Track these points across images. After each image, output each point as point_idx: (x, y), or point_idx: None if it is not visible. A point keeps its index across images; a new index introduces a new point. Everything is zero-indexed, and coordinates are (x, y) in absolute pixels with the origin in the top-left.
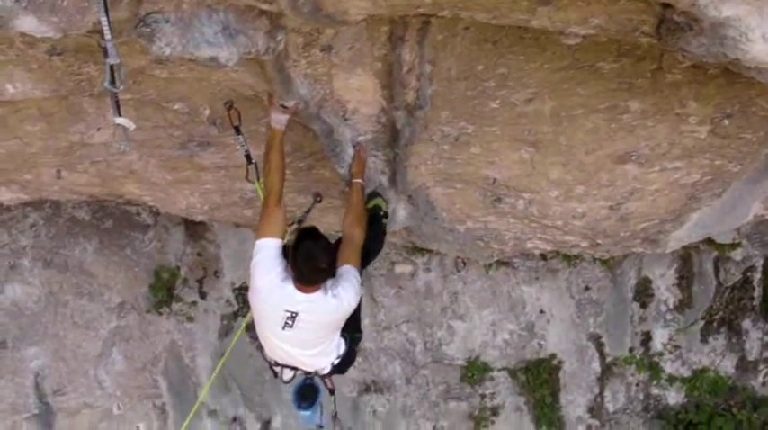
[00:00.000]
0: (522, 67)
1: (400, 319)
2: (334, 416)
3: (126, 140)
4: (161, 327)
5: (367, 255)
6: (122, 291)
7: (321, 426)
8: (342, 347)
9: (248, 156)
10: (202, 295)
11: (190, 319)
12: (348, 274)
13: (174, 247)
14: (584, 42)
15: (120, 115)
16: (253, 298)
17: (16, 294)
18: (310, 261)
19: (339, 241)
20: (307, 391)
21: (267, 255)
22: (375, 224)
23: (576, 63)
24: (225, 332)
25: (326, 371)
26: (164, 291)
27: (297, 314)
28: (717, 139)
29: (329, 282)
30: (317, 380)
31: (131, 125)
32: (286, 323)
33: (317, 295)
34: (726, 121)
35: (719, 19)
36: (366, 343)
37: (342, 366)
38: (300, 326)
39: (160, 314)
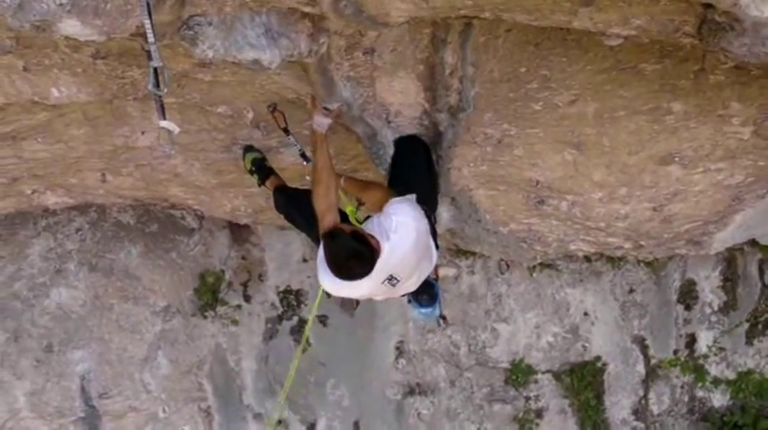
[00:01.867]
0: (564, 69)
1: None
2: (444, 317)
3: (170, 143)
4: (206, 331)
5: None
6: (167, 294)
7: (443, 317)
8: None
9: (303, 155)
10: (247, 298)
11: (234, 323)
12: (393, 205)
13: (219, 251)
14: (626, 44)
15: (165, 118)
16: (342, 295)
17: (62, 298)
18: (342, 266)
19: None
20: (422, 288)
21: (322, 257)
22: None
23: (618, 64)
24: (270, 335)
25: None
26: (209, 294)
27: (391, 275)
28: (760, 140)
29: (383, 227)
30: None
31: (176, 128)
32: (391, 284)
33: (386, 250)
34: None
35: (761, 19)
36: (410, 345)
37: (437, 237)
38: (402, 273)
39: (205, 317)
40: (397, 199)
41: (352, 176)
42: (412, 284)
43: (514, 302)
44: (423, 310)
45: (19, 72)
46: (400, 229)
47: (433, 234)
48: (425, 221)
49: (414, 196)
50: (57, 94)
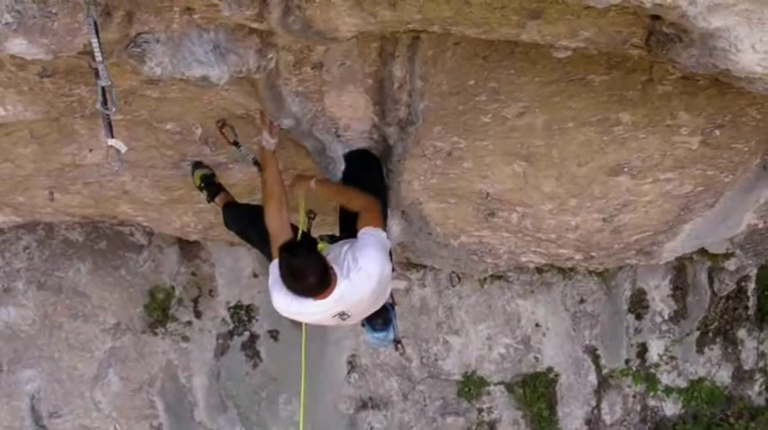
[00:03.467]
0: (512, 81)
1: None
2: (399, 341)
3: (119, 161)
4: (156, 348)
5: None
6: (117, 311)
7: (398, 341)
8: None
9: (257, 163)
10: (197, 314)
11: (185, 339)
12: (364, 238)
13: (169, 267)
14: (574, 55)
15: (112, 136)
16: (293, 317)
17: (10, 317)
18: (298, 279)
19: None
20: (377, 312)
21: (275, 276)
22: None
23: (566, 76)
24: (221, 351)
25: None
26: (159, 311)
27: (342, 311)
28: (708, 150)
29: (347, 262)
30: None
31: (123, 147)
32: (341, 319)
33: (341, 287)
34: (717, 132)
35: (709, 30)
36: (362, 359)
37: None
38: (355, 311)
39: (155, 334)
40: (372, 232)
41: (328, 180)
42: (364, 315)
43: (466, 314)
44: (376, 335)
45: None
46: (363, 274)
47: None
48: (390, 265)
49: (385, 237)
50: (3, 112)
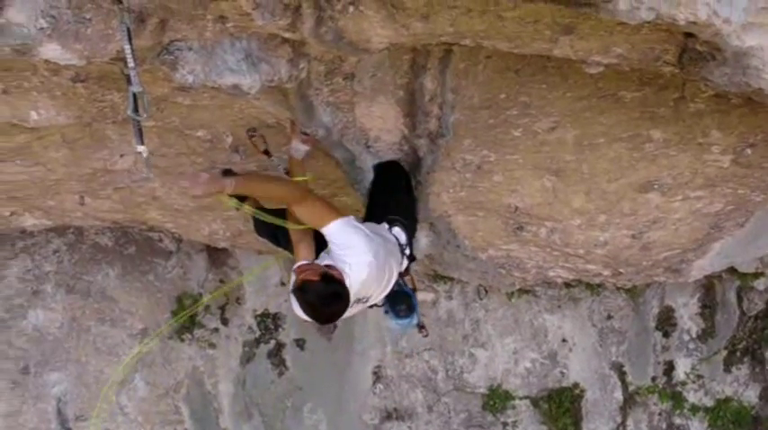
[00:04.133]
0: (544, 96)
1: (422, 347)
2: (423, 325)
3: (148, 167)
4: (183, 354)
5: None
6: (145, 317)
7: (422, 326)
8: (402, 236)
9: (288, 173)
10: (224, 322)
11: (212, 346)
12: (333, 241)
13: (197, 274)
14: (606, 71)
15: (142, 143)
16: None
17: (39, 320)
18: (319, 316)
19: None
20: (400, 299)
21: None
22: (403, 177)
23: (598, 92)
24: (247, 359)
25: (404, 266)
26: (186, 317)
27: (358, 299)
28: (740, 169)
29: (340, 264)
30: (402, 284)
31: (147, 152)
32: (362, 303)
33: (347, 285)
34: (749, 151)
35: (742, 48)
36: (387, 370)
37: (412, 247)
38: (371, 293)
39: (182, 340)
40: (333, 228)
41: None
42: (382, 295)
43: (492, 328)
44: (400, 321)
45: None
46: (359, 268)
47: (409, 244)
48: (374, 238)
49: (351, 217)
50: (35, 116)
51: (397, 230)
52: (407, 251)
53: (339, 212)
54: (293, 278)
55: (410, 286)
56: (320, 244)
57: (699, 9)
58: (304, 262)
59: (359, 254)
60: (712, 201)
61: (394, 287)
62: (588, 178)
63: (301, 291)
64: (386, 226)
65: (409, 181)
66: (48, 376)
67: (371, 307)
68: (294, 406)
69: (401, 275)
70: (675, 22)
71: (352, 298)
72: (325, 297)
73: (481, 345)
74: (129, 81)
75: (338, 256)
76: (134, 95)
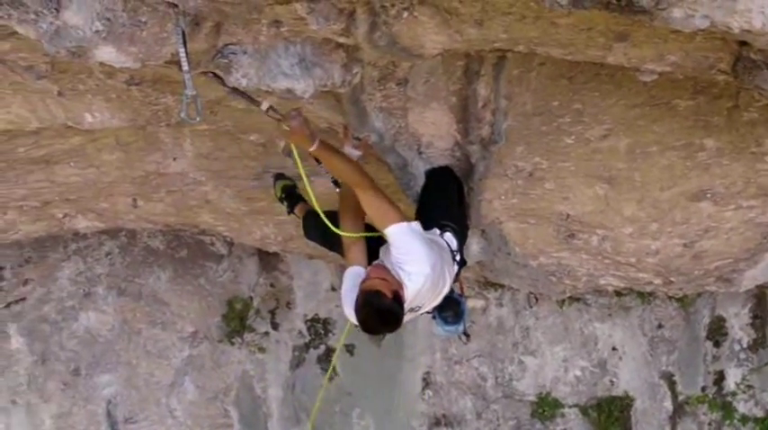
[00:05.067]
0: (597, 104)
1: (472, 354)
2: (468, 334)
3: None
4: (233, 357)
5: (453, 213)
6: (195, 320)
7: (467, 334)
8: (453, 242)
9: (336, 182)
10: (274, 326)
11: (262, 350)
12: (395, 244)
13: (248, 278)
14: (659, 79)
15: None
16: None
17: (90, 322)
18: (374, 332)
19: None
20: (448, 305)
21: (348, 286)
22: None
23: (651, 100)
24: (296, 363)
25: (455, 271)
26: (236, 321)
27: (411, 308)
28: None
29: (397, 272)
30: (453, 290)
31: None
32: (414, 313)
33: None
34: None
35: None
36: (437, 376)
37: (463, 253)
38: (424, 302)
39: (232, 344)
40: (397, 231)
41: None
42: (434, 304)
43: (542, 335)
44: (447, 328)
45: (53, 97)
46: (416, 278)
47: (460, 250)
48: (433, 247)
49: (415, 223)
50: (90, 119)
51: (448, 236)
52: (458, 257)
53: (404, 215)
54: (361, 277)
55: (459, 292)
56: (370, 250)
57: (754, 17)
58: (380, 264)
59: (419, 263)
60: (765, 211)
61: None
62: (640, 186)
63: (367, 297)
64: (437, 231)
65: (461, 187)
66: (98, 378)
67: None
68: (343, 411)
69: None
70: (730, 30)
71: (406, 308)
72: (386, 314)
73: (531, 353)
74: (184, 84)
75: (398, 262)
76: (189, 98)
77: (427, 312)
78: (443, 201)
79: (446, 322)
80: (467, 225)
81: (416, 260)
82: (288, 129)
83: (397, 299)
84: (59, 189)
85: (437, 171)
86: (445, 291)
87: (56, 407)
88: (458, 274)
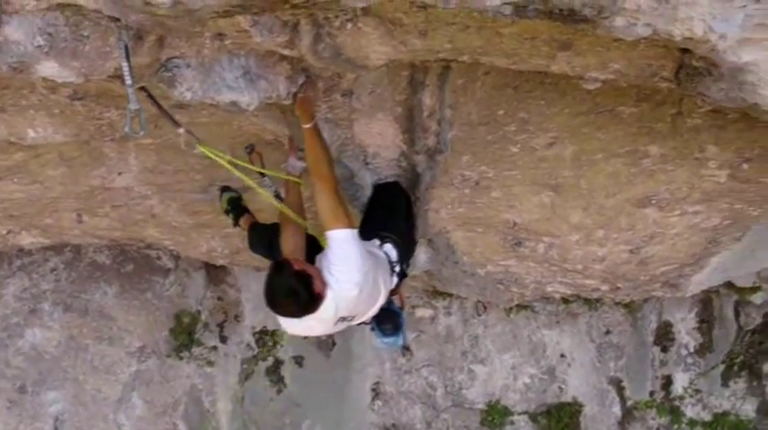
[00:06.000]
0: (542, 112)
1: (421, 363)
2: (407, 347)
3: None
4: (181, 372)
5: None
6: (143, 335)
7: (407, 347)
8: (393, 253)
9: (278, 196)
10: (223, 339)
11: (210, 364)
12: (333, 247)
13: (195, 291)
14: (603, 87)
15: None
16: (299, 334)
17: (36, 339)
18: (275, 308)
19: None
20: (386, 317)
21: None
22: (403, 196)
23: (596, 108)
24: (245, 376)
25: (394, 283)
26: (184, 335)
27: (343, 317)
28: (736, 184)
29: (327, 274)
30: (393, 302)
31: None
32: (347, 322)
33: (329, 298)
34: (745, 166)
35: (738, 64)
36: (386, 386)
37: (403, 266)
38: (356, 312)
39: (180, 358)
40: (335, 236)
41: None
42: (370, 314)
43: (491, 343)
44: (385, 340)
45: None
46: (344, 285)
47: (400, 262)
48: (368, 258)
49: (355, 231)
50: (33, 134)
51: (388, 247)
52: (397, 268)
53: (350, 222)
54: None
55: (399, 304)
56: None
57: (695, 25)
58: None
59: (350, 271)
60: (709, 216)
61: (382, 306)
62: (586, 194)
63: (276, 269)
64: (377, 242)
65: (409, 202)
66: (45, 395)
67: (359, 324)
68: (293, 423)
69: (391, 293)
70: (672, 38)
71: (335, 315)
72: (290, 289)
73: (480, 361)
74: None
75: (329, 266)
76: (132, 112)
77: (365, 323)
78: (387, 213)
79: (384, 334)
80: (413, 239)
81: (348, 267)
82: (302, 95)
83: (304, 279)
84: (2, 205)
85: (384, 185)
86: (380, 301)
87: (2, 426)
88: (398, 286)
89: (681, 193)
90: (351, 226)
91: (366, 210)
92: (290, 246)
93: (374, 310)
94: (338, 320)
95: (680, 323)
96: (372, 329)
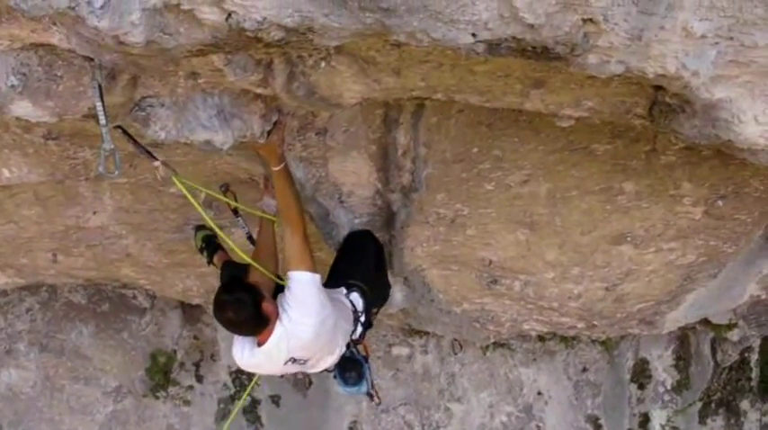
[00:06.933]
0: (516, 149)
1: (398, 402)
2: (372, 394)
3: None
4: (158, 411)
5: (367, 274)
6: (119, 374)
7: (371, 394)
8: (359, 302)
9: (250, 238)
10: (199, 378)
11: (186, 403)
12: (293, 287)
13: (171, 331)
14: (577, 124)
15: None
16: (251, 370)
17: (12, 379)
18: (218, 314)
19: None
20: (350, 366)
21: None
22: (374, 244)
23: (570, 145)
24: (222, 415)
25: (358, 334)
26: (160, 374)
27: (293, 358)
28: (711, 220)
29: (283, 309)
30: (355, 352)
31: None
32: (299, 365)
33: (277, 332)
34: (720, 202)
35: (711, 101)
36: (363, 425)
37: (370, 315)
38: (308, 356)
39: (156, 398)
40: (297, 278)
41: (289, 179)
42: (329, 362)
43: (468, 382)
44: (348, 388)
45: None
46: (298, 325)
47: (366, 311)
48: (328, 305)
49: (317, 277)
50: (8, 174)
51: (354, 296)
52: (362, 318)
53: (314, 267)
54: None
55: (364, 354)
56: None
57: (668, 62)
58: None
59: (306, 314)
60: (685, 253)
61: (345, 353)
62: (561, 231)
63: (230, 280)
64: (344, 290)
65: (381, 250)
66: None
67: (322, 372)
68: None
69: (355, 343)
70: (645, 75)
71: (286, 354)
72: (238, 300)
73: (457, 400)
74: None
75: (285, 304)
76: (107, 152)
77: (328, 371)
78: (355, 261)
79: (346, 382)
80: (385, 285)
81: (305, 310)
82: (269, 138)
83: (254, 293)
84: None
85: (357, 233)
86: (338, 351)
87: None
88: (362, 336)
89: (656, 230)
90: (314, 271)
91: (336, 258)
92: (260, 281)
93: (333, 359)
94: (289, 360)
95: (656, 360)
96: (335, 377)
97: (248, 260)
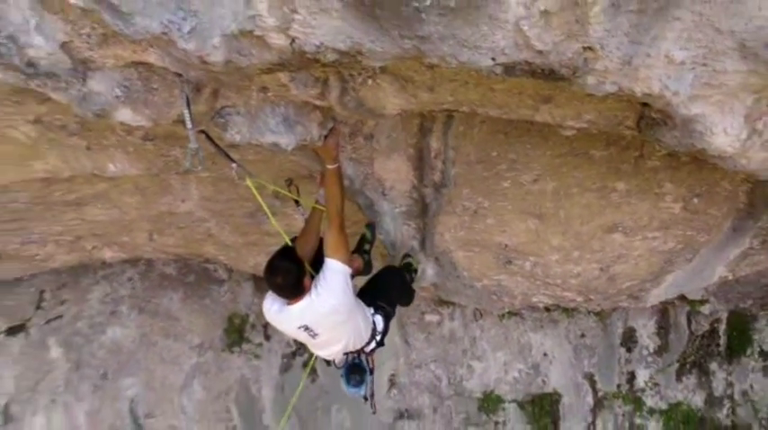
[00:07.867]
0: (528, 154)
1: (429, 359)
2: (367, 398)
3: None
4: (233, 364)
5: (392, 299)
6: (202, 333)
7: (366, 398)
8: (380, 324)
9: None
10: (267, 337)
11: (257, 357)
12: (326, 271)
13: (245, 298)
14: (578, 134)
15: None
16: (271, 322)
17: (116, 335)
18: (268, 275)
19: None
20: (355, 370)
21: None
22: (403, 278)
23: (572, 150)
24: (285, 368)
25: (371, 348)
26: (235, 333)
27: (306, 325)
28: (688, 214)
29: (316, 286)
30: (363, 359)
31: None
32: (309, 334)
33: (304, 302)
34: (696, 200)
35: (689, 116)
36: (400, 378)
37: (383, 339)
38: (319, 330)
39: (232, 352)
40: (333, 266)
41: (338, 178)
42: (335, 351)
43: (486, 343)
44: (350, 389)
45: (83, 150)
46: (322, 300)
47: (383, 332)
48: (350, 297)
49: (348, 269)
50: (113, 168)
51: (378, 318)
52: (378, 338)
53: (350, 261)
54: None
55: (371, 366)
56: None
57: (653, 83)
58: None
59: (329, 295)
60: (666, 241)
61: (355, 360)
62: (564, 221)
63: (285, 249)
64: (371, 310)
65: (406, 282)
66: (122, 381)
67: (329, 364)
68: (323, 407)
69: (366, 354)
70: (634, 93)
71: (299, 322)
72: (286, 267)
73: (477, 358)
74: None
75: (318, 283)
76: (192, 151)
77: (337, 367)
78: (386, 287)
79: (349, 383)
80: (394, 305)
81: (330, 292)
82: (327, 140)
83: (300, 268)
84: (89, 226)
85: (389, 267)
86: (344, 343)
87: (88, 406)
88: (372, 351)
89: (642, 222)
90: (347, 262)
91: (369, 280)
92: (306, 250)
93: (338, 349)
94: (302, 326)
95: (642, 328)
96: (342, 376)
97: (288, 241)
